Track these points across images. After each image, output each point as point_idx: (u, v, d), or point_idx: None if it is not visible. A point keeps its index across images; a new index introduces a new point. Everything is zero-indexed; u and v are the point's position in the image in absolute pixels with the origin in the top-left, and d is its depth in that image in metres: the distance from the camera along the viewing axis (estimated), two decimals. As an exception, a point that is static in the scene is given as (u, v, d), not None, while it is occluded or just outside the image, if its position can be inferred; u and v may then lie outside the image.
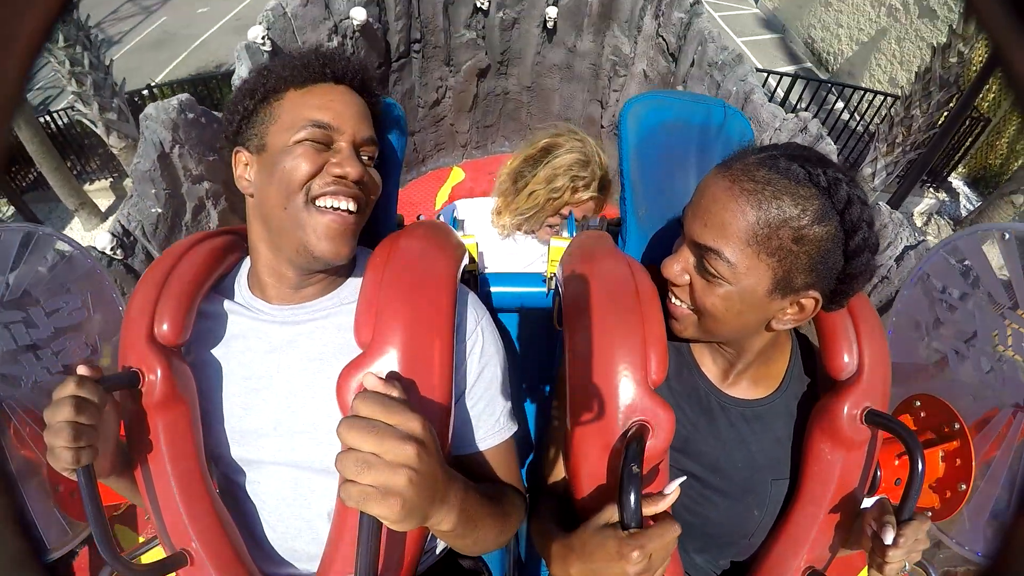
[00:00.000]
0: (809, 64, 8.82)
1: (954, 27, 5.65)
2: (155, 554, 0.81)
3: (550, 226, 1.40)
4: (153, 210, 1.90)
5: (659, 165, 1.01)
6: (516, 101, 3.49)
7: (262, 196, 0.74)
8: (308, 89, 0.75)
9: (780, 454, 0.83)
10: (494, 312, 1.27)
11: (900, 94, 6.16)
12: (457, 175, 3.25)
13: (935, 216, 7.23)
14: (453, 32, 3.10)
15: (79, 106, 5.95)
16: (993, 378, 0.95)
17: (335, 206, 0.72)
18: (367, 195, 0.76)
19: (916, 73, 6.01)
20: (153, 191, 1.91)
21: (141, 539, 1.28)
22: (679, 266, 0.73)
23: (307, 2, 2.43)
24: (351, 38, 2.66)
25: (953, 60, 5.59)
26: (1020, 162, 6.55)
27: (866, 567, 0.72)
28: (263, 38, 2.30)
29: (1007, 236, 0.94)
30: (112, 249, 1.69)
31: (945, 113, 5.89)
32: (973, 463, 0.89)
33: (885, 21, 8.49)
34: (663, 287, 0.79)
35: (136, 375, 0.70)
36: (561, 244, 1.21)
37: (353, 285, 0.79)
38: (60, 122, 6.95)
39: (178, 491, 0.71)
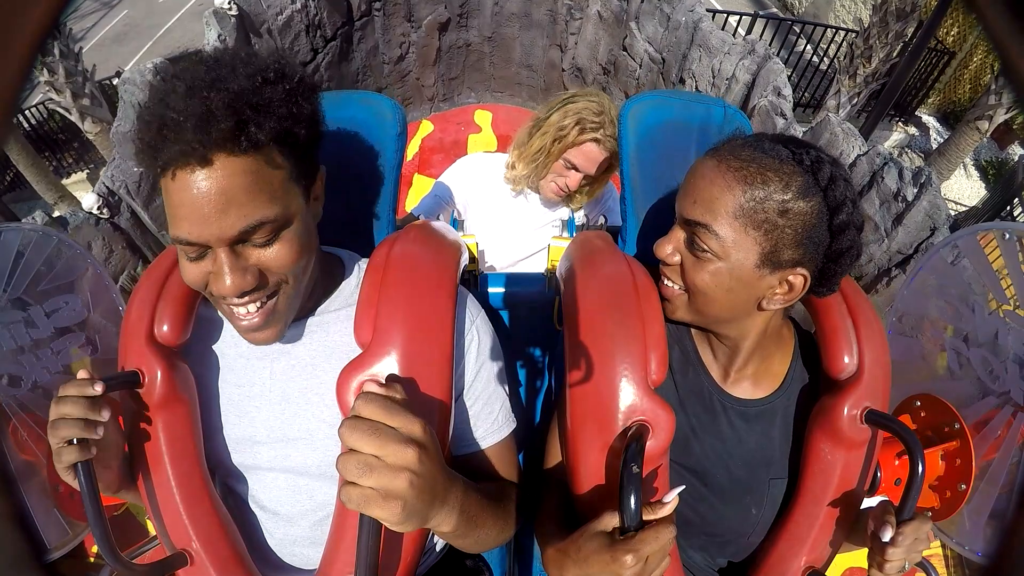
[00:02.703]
0: (774, 9, 8.81)
1: None
2: (155, 554, 0.81)
3: (556, 180, 1.42)
4: (135, 169, 1.95)
5: (659, 165, 1.01)
6: (478, 52, 3.56)
7: None
8: (169, 177, 0.58)
9: (779, 453, 0.83)
10: (494, 311, 1.27)
11: (859, 28, 6.23)
12: (426, 127, 3.29)
13: (905, 150, 7.37)
14: None
15: (52, 95, 5.96)
16: (993, 378, 0.95)
17: (239, 312, 0.65)
18: (272, 282, 0.64)
19: (874, 6, 6.08)
20: (134, 151, 2.02)
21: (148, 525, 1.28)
22: (671, 246, 0.75)
23: (271, -36, 2.49)
24: (314, 0, 2.72)
25: None
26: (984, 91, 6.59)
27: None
28: (230, 3, 2.33)
29: (1007, 236, 0.94)
30: (99, 209, 1.78)
31: (902, 44, 5.99)
32: (973, 463, 0.89)
33: None
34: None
35: (136, 375, 0.70)
36: (561, 244, 1.21)
37: (344, 292, 0.78)
38: (32, 120, 7.05)
39: (178, 491, 0.71)
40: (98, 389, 0.62)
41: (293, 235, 0.63)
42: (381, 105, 0.98)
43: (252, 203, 0.58)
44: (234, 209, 0.58)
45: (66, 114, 6.13)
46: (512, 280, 1.25)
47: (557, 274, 0.90)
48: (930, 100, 7.69)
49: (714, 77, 2.45)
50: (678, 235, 0.75)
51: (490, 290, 1.24)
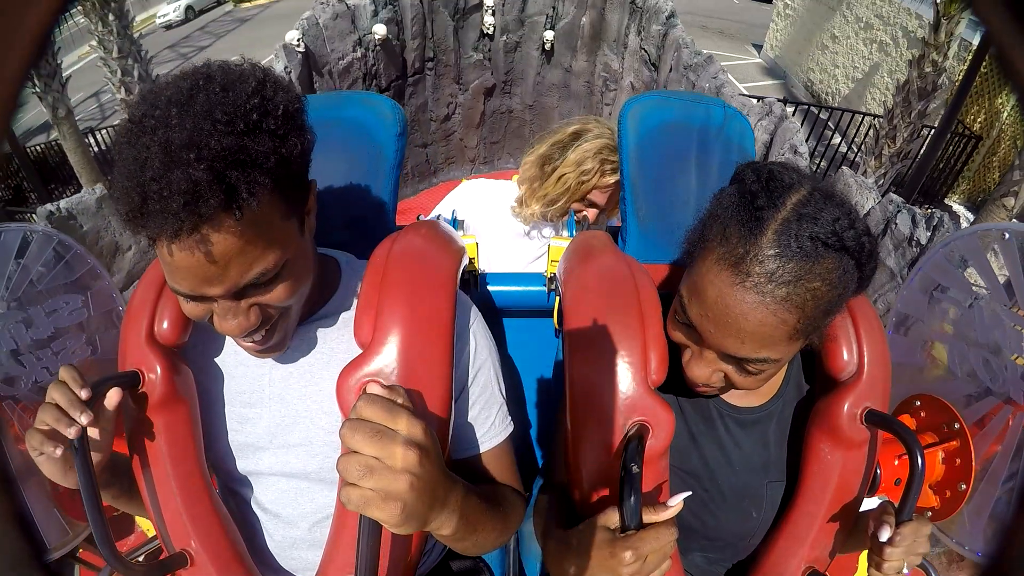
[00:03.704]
0: (809, 105, 9.14)
1: (926, 39, 5.88)
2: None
3: (575, 212, 1.41)
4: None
5: (659, 165, 1.01)
6: (520, 119, 3.80)
7: None
8: (162, 246, 0.55)
9: (775, 457, 0.83)
10: (495, 312, 1.27)
11: (883, 110, 6.39)
12: None
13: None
14: (462, 53, 3.44)
15: (124, 114, 6.28)
16: (993, 378, 0.95)
17: (244, 340, 0.65)
18: (274, 314, 0.65)
19: (896, 87, 6.23)
20: (117, 215, 2.14)
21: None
22: (708, 370, 0.68)
23: (336, 16, 2.77)
24: (372, 51, 2.97)
25: (928, 70, 5.85)
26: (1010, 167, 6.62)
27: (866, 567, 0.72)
28: (298, 41, 2.57)
29: (1007, 236, 0.94)
30: None
31: (925, 126, 6.12)
32: (973, 463, 0.89)
33: (877, 56, 8.94)
34: (663, 288, 0.79)
35: (136, 375, 0.70)
36: (561, 244, 1.21)
37: (341, 297, 0.78)
38: (103, 144, 7.65)
39: (178, 491, 0.71)
40: (83, 395, 0.62)
41: (291, 270, 0.63)
42: (381, 105, 0.98)
43: (249, 260, 0.58)
44: (232, 270, 0.57)
45: None
46: (512, 280, 1.26)
47: (557, 274, 0.90)
48: (959, 188, 7.57)
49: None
50: (718, 363, 0.68)
51: (490, 289, 1.24)
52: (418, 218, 0.99)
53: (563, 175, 1.34)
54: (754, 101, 2.57)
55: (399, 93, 3.24)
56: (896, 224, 1.86)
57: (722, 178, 1.03)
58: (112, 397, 0.65)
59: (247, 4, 18.01)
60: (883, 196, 1.98)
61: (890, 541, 0.67)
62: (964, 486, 0.89)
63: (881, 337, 0.79)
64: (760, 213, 0.61)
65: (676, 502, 0.61)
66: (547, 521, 0.76)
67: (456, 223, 1.41)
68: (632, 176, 1.01)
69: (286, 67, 2.47)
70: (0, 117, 0.18)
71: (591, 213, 1.40)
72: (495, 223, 1.48)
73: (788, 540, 0.79)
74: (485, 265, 1.46)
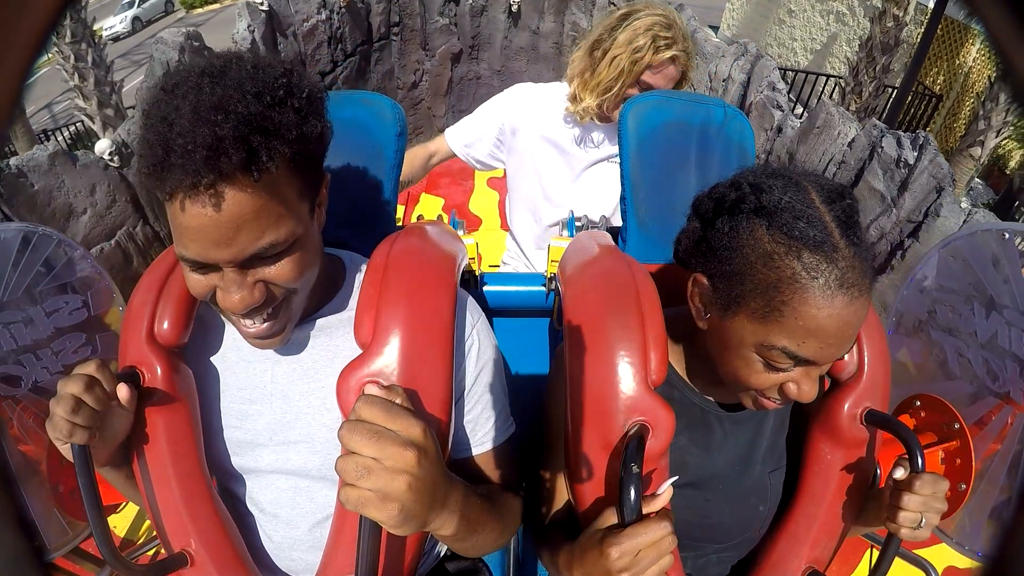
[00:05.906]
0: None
1: None
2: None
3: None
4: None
5: (660, 165, 1.01)
6: (488, 85, 3.67)
7: None
8: (176, 204, 0.56)
9: (772, 445, 0.82)
10: (494, 312, 1.27)
11: (847, 68, 6.48)
12: None
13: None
14: (428, 18, 3.33)
15: (79, 101, 6.40)
16: (993, 378, 0.95)
17: (245, 322, 0.65)
18: (279, 295, 0.65)
19: (860, 43, 6.34)
20: (139, 171, 2.09)
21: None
22: (817, 384, 0.67)
23: (300, -25, 2.67)
24: (338, 14, 2.87)
25: (890, 24, 6.02)
26: (972, 119, 6.71)
27: (866, 560, 0.71)
28: (262, 1, 2.50)
29: (1007, 236, 0.94)
30: (110, 155, 1.81)
31: (887, 86, 6.28)
32: (973, 463, 0.89)
33: (835, 27, 9.05)
34: (664, 289, 0.79)
35: (136, 375, 0.70)
36: (561, 244, 1.21)
37: (345, 295, 0.78)
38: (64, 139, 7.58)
39: (179, 491, 0.71)
40: (108, 382, 0.63)
41: (300, 250, 0.64)
42: (381, 105, 0.98)
43: (262, 227, 0.58)
44: (244, 235, 0.57)
45: (88, 122, 6.52)
46: (512, 279, 1.26)
47: (557, 274, 0.90)
48: (922, 149, 7.96)
49: (711, 80, 2.62)
50: (815, 374, 0.66)
51: (489, 288, 1.24)
52: (418, 218, 0.99)
53: (615, 56, 1.27)
54: (731, 46, 2.55)
55: (365, 58, 3.16)
56: (882, 147, 1.86)
57: (722, 178, 1.03)
58: (123, 391, 0.65)
59: (199, 10, 17.79)
60: (862, 130, 1.98)
61: (910, 485, 0.66)
62: (964, 486, 0.90)
63: (881, 337, 0.79)
64: (815, 226, 0.61)
65: (664, 489, 0.60)
66: (553, 546, 0.74)
67: (457, 224, 1.41)
68: (632, 176, 1.01)
69: (249, 25, 2.39)
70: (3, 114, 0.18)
71: None
72: (546, 129, 1.42)
73: (788, 540, 0.79)
74: (535, 173, 1.43)
